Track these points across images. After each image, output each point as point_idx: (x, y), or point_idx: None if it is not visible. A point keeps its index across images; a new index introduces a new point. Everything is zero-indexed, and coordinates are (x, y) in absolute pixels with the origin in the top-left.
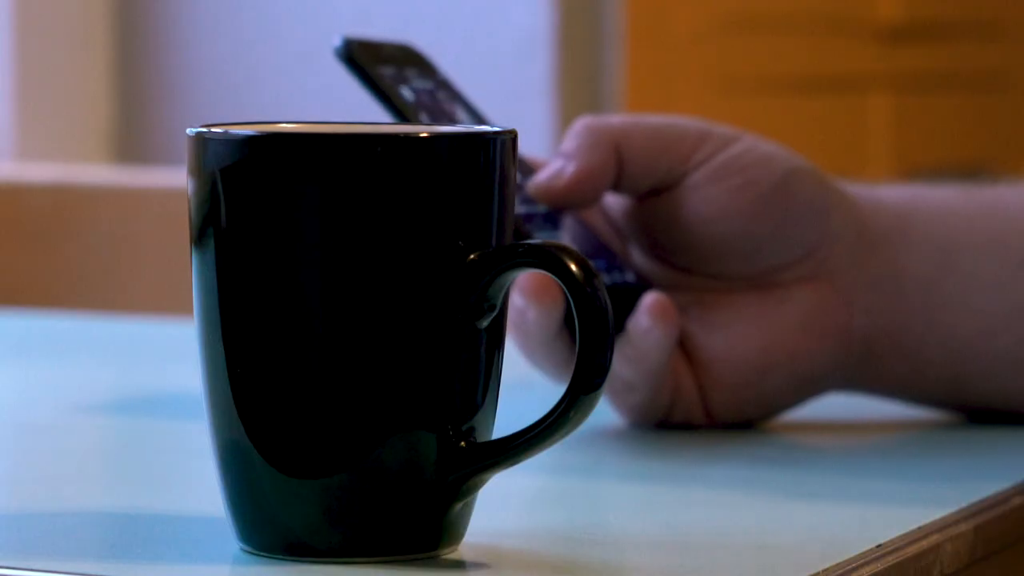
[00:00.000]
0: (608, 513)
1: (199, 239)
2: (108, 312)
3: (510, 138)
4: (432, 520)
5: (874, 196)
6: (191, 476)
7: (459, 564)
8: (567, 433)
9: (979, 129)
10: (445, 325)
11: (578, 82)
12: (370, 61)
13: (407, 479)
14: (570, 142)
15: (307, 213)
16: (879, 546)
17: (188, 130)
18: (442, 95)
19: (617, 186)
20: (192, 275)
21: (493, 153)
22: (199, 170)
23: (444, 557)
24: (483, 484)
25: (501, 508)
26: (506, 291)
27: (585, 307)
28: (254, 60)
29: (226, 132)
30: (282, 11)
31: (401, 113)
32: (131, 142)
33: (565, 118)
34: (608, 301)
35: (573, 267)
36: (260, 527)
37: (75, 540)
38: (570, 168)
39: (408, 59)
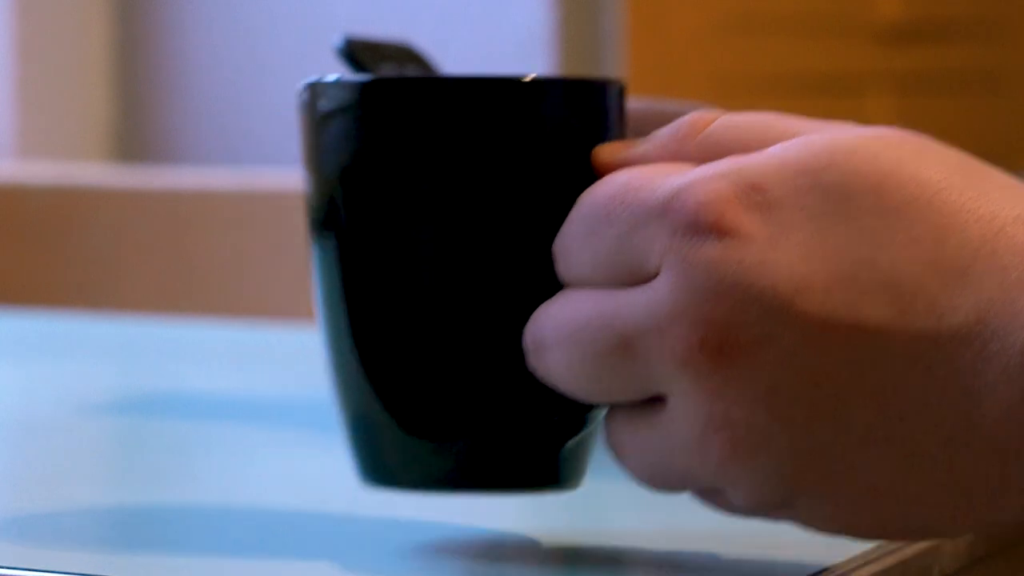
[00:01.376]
0: (609, 513)
1: (322, 223)
2: (108, 312)
3: (619, 88)
4: (548, 456)
5: None
6: (191, 476)
7: (461, 563)
8: None
9: (979, 129)
10: (553, 281)
11: None
12: (371, 59)
13: (527, 418)
14: None
15: (433, 164)
16: (879, 546)
17: (304, 81)
18: None
19: None
20: (312, 249)
21: (602, 101)
22: (316, 126)
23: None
24: (595, 420)
25: (502, 508)
26: None
27: None
28: (254, 60)
29: (341, 79)
30: (282, 11)
31: None
32: (131, 142)
33: None
34: None
35: None
36: (387, 484)
37: (75, 540)
38: None
39: (407, 58)
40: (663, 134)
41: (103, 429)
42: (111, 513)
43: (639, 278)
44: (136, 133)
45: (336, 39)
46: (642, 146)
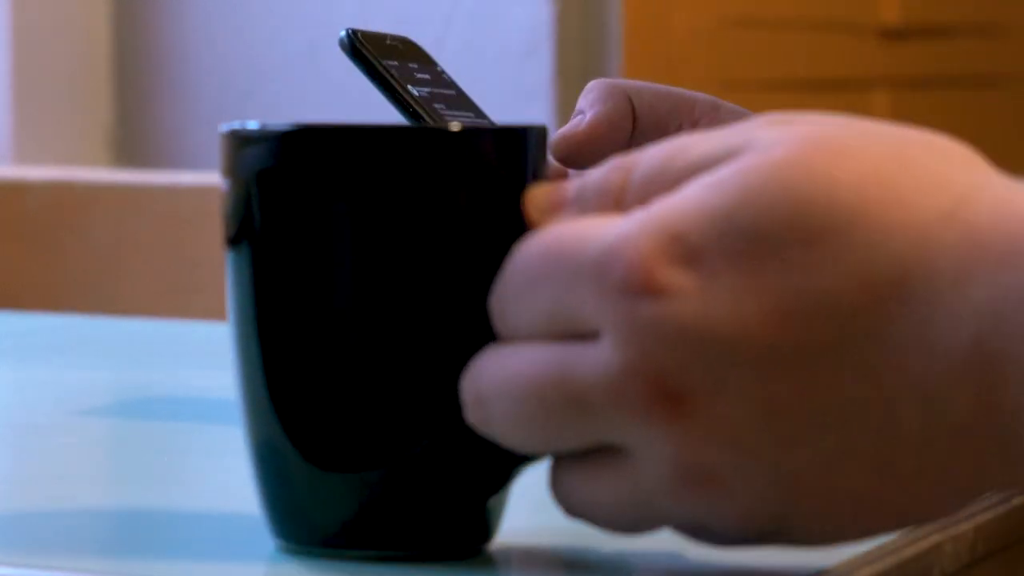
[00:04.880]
0: None
1: (234, 238)
2: (108, 312)
3: (542, 132)
4: (460, 515)
5: None
6: (191, 476)
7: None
8: None
9: (979, 129)
10: (468, 323)
11: (578, 82)
12: (376, 53)
13: (438, 474)
14: (582, 100)
15: (341, 210)
16: (879, 546)
17: (221, 127)
18: (445, 90)
19: (630, 143)
20: (227, 273)
21: (527, 147)
22: (233, 169)
23: (475, 554)
24: (506, 481)
25: (506, 508)
26: None
27: None
28: (254, 60)
29: (262, 128)
30: (283, 11)
31: (408, 107)
32: (131, 143)
33: (565, 118)
34: None
35: None
36: (295, 522)
37: (75, 540)
38: (587, 117)
39: (409, 52)
40: (593, 181)
41: (103, 429)
42: (111, 513)
43: (579, 334)
44: (136, 138)
45: (340, 32)
46: (573, 192)
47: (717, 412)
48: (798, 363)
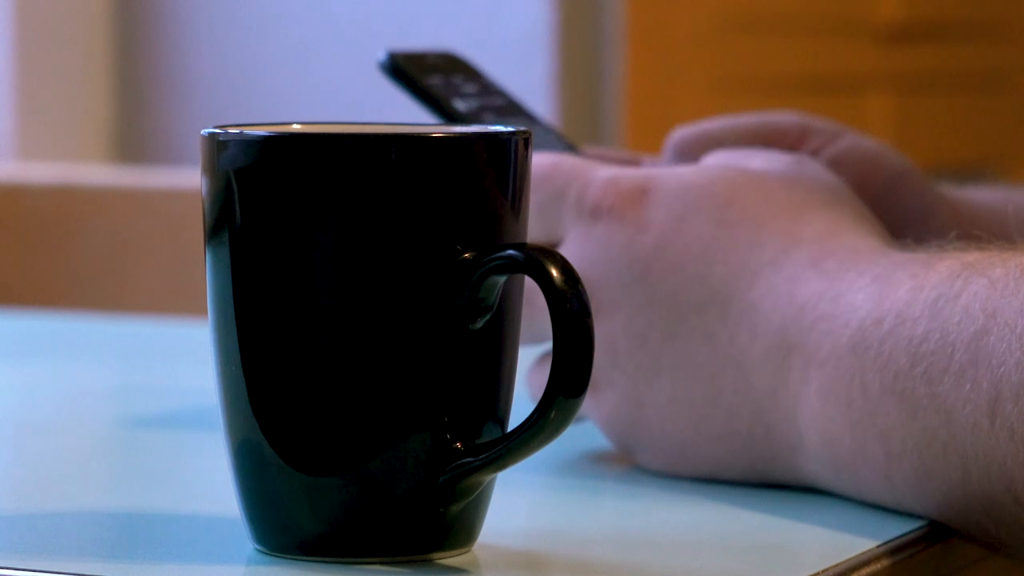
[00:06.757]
0: (609, 513)
1: (213, 238)
2: (109, 312)
3: (523, 138)
4: (435, 521)
5: (967, 198)
6: (191, 476)
7: (467, 565)
8: (551, 437)
9: (979, 129)
10: (437, 326)
11: (578, 82)
12: (417, 72)
13: (408, 480)
14: (668, 159)
15: (319, 213)
16: (879, 546)
17: (202, 131)
18: (494, 100)
19: None
20: (206, 274)
21: (508, 153)
22: (213, 170)
23: (453, 558)
24: (478, 487)
25: (502, 508)
26: (498, 293)
27: (563, 312)
28: (254, 59)
29: (241, 133)
30: (282, 10)
31: (455, 122)
32: (131, 142)
33: (565, 118)
34: (590, 307)
35: (554, 271)
36: (273, 526)
37: (75, 540)
38: None
39: (453, 67)
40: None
41: (103, 430)
42: (111, 513)
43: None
44: (136, 133)
45: (379, 54)
46: None
47: (609, 324)
48: (671, 311)
